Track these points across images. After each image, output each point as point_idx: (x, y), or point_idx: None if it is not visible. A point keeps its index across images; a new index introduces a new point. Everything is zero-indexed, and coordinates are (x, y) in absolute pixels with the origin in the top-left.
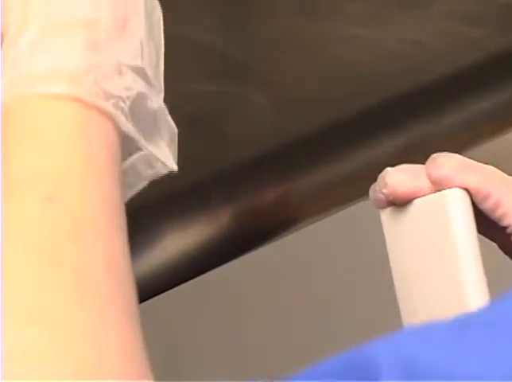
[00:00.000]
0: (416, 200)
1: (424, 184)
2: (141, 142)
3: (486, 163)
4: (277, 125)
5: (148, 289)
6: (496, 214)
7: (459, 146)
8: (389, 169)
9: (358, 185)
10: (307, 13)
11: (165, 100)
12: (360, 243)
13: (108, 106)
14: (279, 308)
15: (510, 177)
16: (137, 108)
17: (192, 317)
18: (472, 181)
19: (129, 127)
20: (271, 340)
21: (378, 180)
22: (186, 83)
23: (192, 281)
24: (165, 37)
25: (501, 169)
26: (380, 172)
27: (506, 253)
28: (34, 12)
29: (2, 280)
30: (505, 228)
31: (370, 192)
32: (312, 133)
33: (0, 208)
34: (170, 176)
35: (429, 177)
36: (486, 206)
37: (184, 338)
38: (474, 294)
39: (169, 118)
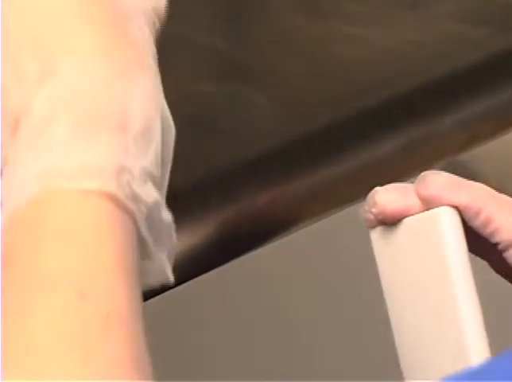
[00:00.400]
0: (406, 220)
1: (414, 202)
2: (152, 248)
3: (487, 163)
4: (277, 125)
5: (147, 289)
6: (487, 230)
7: (459, 146)
8: (378, 188)
9: (359, 185)
10: (307, 13)
11: (165, 100)
12: (360, 243)
13: (135, 208)
14: (279, 308)
15: (499, 194)
16: (150, 216)
17: (192, 317)
18: (462, 199)
19: (145, 233)
20: (271, 340)
21: (368, 199)
22: (186, 83)
23: (192, 281)
24: (165, 37)
25: (501, 169)
26: (380, 172)
27: (498, 271)
28: (63, 105)
29: (36, 375)
30: (496, 244)
31: (360, 211)
32: (312, 133)
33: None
34: (170, 176)
35: (419, 195)
36: (476, 223)
37: (184, 339)
38: (466, 312)
39: (174, 231)
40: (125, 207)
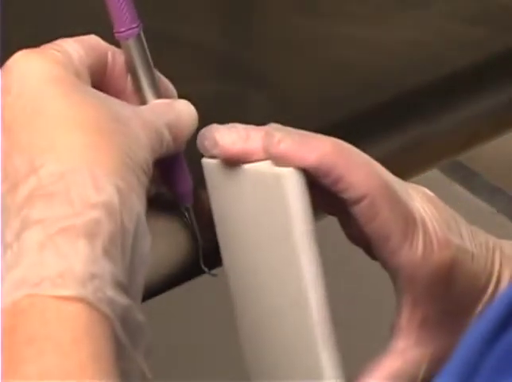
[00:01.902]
0: (247, 166)
1: (257, 147)
2: (129, 349)
3: (487, 163)
4: None
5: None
6: (336, 188)
7: (459, 146)
8: (217, 125)
9: None
10: (307, 13)
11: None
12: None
13: (109, 311)
14: None
15: (351, 148)
16: (125, 318)
17: (192, 317)
18: (311, 160)
19: (121, 334)
20: None
21: (207, 133)
22: (186, 83)
23: (193, 280)
24: (166, 37)
25: (501, 169)
26: None
27: (344, 227)
28: (37, 211)
29: None
30: (345, 200)
31: (198, 142)
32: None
33: None
34: None
35: (266, 151)
36: (326, 182)
37: (183, 339)
38: (306, 265)
39: (149, 333)
40: (99, 310)
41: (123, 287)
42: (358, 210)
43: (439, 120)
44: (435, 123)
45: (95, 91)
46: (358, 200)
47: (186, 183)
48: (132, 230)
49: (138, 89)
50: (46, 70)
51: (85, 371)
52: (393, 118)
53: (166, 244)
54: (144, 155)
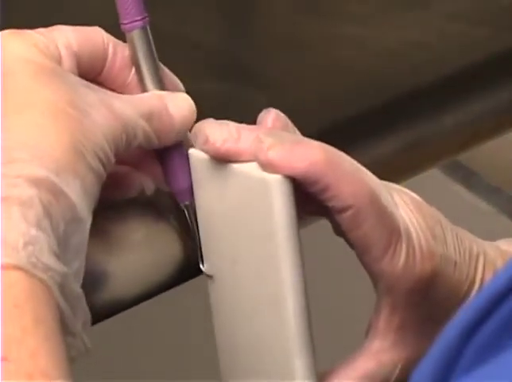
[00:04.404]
0: (236, 167)
1: (248, 148)
2: (70, 317)
3: (487, 163)
4: None
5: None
6: (322, 197)
7: (459, 145)
8: (210, 120)
9: None
10: (307, 13)
11: None
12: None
13: (46, 277)
14: None
15: (342, 157)
16: (63, 287)
17: (191, 317)
18: (299, 169)
19: (61, 300)
20: None
21: (199, 127)
22: (186, 83)
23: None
24: (166, 36)
25: (501, 169)
26: (380, 172)
27: (337, 233)
28: None
29: None
30: (331, 207)
31: (191, 134)
32: (311, 133)
33: None
34: None
35: (255, 157)
36: (313, 190)
37: (184, 339)
38: (287, 273)
39: (86, 305)
40: (36, 276)
41: (58, 257)
42: (342, 219)
43: (439, 120)
44: (435, 123)
45: (67, 76)
46: (343, 210)
47: (185, 179)
48: (68, 214)
49: (141, 82)
50: (20, 50)
51: (28, 335)
52: (394, 118)
53: (164, 245)
54: (99, 142)
